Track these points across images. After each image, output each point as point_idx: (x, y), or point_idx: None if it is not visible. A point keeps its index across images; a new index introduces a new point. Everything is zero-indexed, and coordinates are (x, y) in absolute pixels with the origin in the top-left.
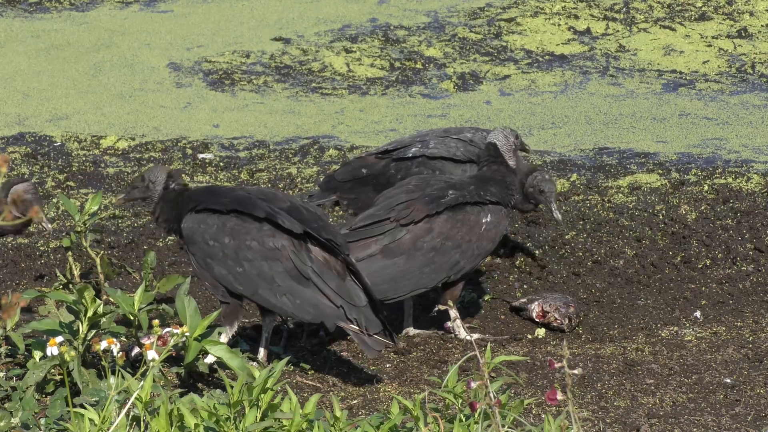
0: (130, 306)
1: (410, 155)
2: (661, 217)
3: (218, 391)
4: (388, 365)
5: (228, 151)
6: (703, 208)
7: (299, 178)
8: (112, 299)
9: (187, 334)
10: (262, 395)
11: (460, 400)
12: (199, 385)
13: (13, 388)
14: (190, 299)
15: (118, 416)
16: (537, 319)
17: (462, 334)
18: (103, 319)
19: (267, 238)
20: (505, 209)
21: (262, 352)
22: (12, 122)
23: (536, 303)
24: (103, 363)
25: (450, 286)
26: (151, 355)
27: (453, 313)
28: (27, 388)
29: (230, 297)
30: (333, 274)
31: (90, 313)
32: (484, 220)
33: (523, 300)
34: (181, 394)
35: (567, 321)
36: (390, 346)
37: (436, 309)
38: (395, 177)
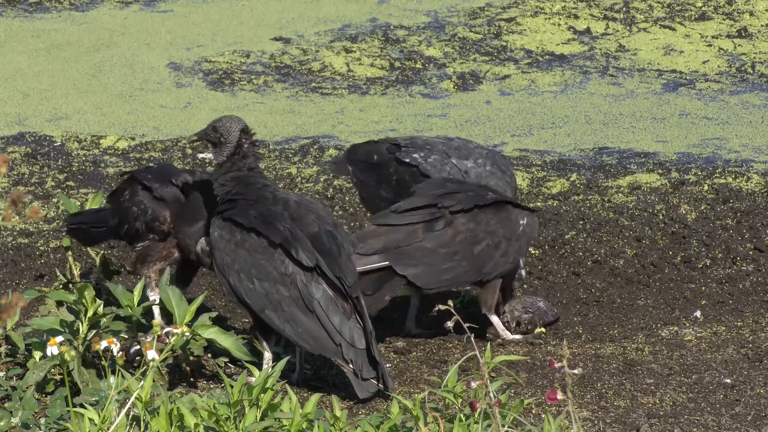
0: (129, 302)
1: (407, 161)
2: (661, 217)
3: (218, 390)
4: (388, 365)
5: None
6: (703, 208)
7: (299, 178)
8: (113, 294)
9: (187, 333)
10: (262, 395)
11: (460, 400)
12: (199, 383)
13: (13, 388)
14: (173, 288)
15: (118, 416)
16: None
17: (507, 335)
18: (104, 319)
19: (279, 263)
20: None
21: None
22: (12, 122)
23: (508, 304)
24: (103, 363)
25: (486, 285)
26: (151, 354)
27: (494, 319)
28: (27, 388)
29: (245, 308)
30: (338, 310)
31: (90, 313)
32: (521, 221)
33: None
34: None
35: (515, 324)
36: (382, 390)
37: (437, 309)
38: (392, 177)
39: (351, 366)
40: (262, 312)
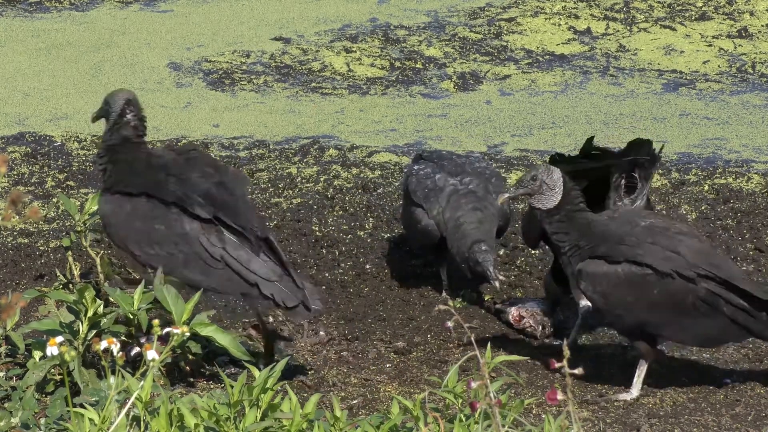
0: (129, 305)
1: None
2: None
3: (218, 390)
4: (388, 365)
5: (228, 150)
6: (703, 208)
7: (299, 178)
8: (111, 298)
9: (187, 333)
10: (262, 395)
11: (460, 400)
12: (199, 383)
13: (13, 388)
14: (168, 287)
15: (118, 416)
16: (513, 324)
17: (636, 390)
18: (104, 320)
19: (177, 223)
20: None
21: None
22: (12, 122)
23: (514, 307)
24: (103, 363)
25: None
26: (151, 355)
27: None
28: (27, 388)
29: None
30: (245, 254)
31: (90, 313)
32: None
33: (507, 303)
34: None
35: (540, 328)
36: (314, 314)
37: (437, 308)
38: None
39: (273, 300)
40: (173, 273)
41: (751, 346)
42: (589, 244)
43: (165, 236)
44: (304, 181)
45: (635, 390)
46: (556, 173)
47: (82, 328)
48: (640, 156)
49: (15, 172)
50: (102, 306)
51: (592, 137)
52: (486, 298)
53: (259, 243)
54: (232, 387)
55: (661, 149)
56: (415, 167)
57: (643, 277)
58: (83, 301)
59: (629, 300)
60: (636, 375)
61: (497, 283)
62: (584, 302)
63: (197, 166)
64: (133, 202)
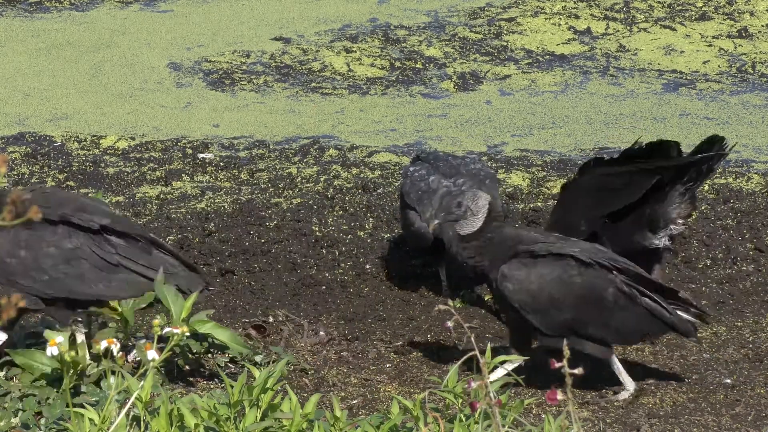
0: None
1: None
2: None
3: (218, 390)
4: (388, 365)
5: (228, 150)
6: (703, 208)
7: (299, 178)
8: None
9: (187, 333)
10: (262, 395)
11: (460, 400)
12: (199, 383)
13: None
14: (168, 286)
15: (118, 416)
16: None
17: (630, 385)
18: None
19: (65, 240)
20: None
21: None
22: (12, 122)
23: None
24: (103, 363)
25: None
26: (150, 355)
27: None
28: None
29: (44, 303)
30: (139, 252)
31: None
32: None
33: None
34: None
35: None
36: (212, 288)
37: (437, 308)
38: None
39: (179, 288)
40: (70, 293)
41: (751, 346)
42: (509, 251)
43: (57, 255)
44: (304, 181)
45: (629, 385)
46: (482, 200)
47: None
48: (709, 153)
49: (15, 172)
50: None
51: (716, 137)
52: (486, 298)
53: (147, 241)
54: (232, 387)
55: (732, 146)
56: (411, 169)
57: (567, 269)
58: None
59: (556, 296)
60: (616, 372)
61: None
62: None
63: (56, 194)
64: (16, 231)
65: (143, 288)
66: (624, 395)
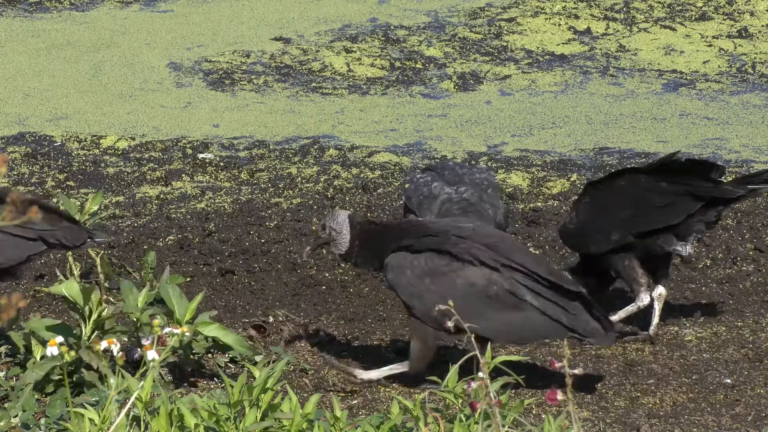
0: (135, 306)
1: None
2: None
3: (218, 391)
4: (388, 365)
5: (228, 150)
6: None
7: (299, 178)
8: (114, 295)
9: (187, 333)
10: (262, 395)
11: (460, 400)
12: (199, 383)
13: (13, 388)
14: (173, 286)
15: (118, 416)
16: None
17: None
18: (106, 322)
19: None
20: None
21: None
22: (12, 122)
23: None
24: (102, 363)
25: None
26: (151, 355)
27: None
28: (25, 386)
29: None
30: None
31: (95, 316)
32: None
33: None
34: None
35: None
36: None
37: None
38: None
39: (61, 243)
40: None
41: (751, 346)
42: (391, 247)
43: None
44: (304, 181)
45: (374, 373)
46: (341, 215)
47: (85, 330)
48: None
49: (15, 172)
50: (106, 309)
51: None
52: None
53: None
54: (232, 387)
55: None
56: (418, 175)
57: (446, 266)
58: (89, 303)
59: (434, 289)
60: (390, 368)
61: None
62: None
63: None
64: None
65: (30, 251)
66: (364, 376)
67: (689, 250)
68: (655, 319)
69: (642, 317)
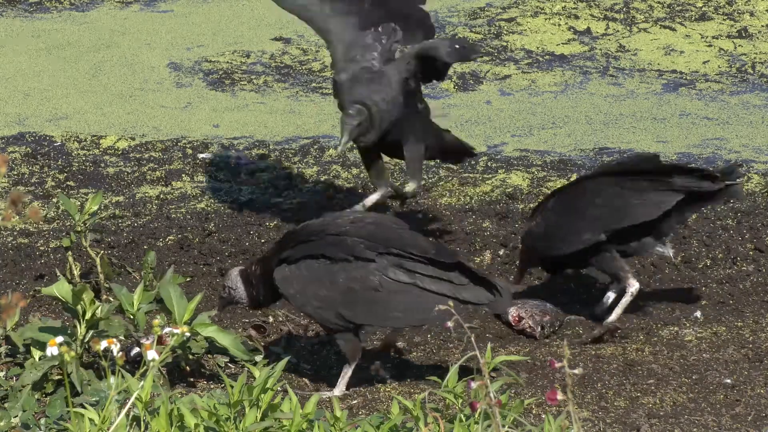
0: (130, 303)
1: None
2: None
3: (218, 390)
4: (388, 365)
5: (228, 151)
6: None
7: (299, 178)
8: (114, 295)
9: (187, 333)
10: (262, 395)
11: (460, 400)
12: (199, 383)
13: (13, 388)
14: (174, 286)
15: (118, 416)
16: (513, 324)
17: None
18: (102, 322)
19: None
20: None
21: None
22: (12, 122)
23: (514, 308)
24: (102, 363)
25: None
26: (151, 355)
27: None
28: (23, 387)
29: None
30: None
31: (88, 315)
32: None
33: None
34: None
35: (540, 329)
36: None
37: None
38: None
39: None
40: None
41: (751, 346)
42: (273, 264)
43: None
44: (304, 181)
45: (337, 390)
46: (233, 273)
47: (80, 330)
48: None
49: (15, 172)
50: (101, 308)
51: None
52: None
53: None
54: (232, 387)
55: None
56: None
57: (323, 269)
58: (81, 302)
59: (322, 294)
60: (342, 375)
61: (339, 149)
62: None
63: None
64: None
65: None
66: (330, 393)
67: (670, 252)
68: (619, 310)
69: (640, 313)
